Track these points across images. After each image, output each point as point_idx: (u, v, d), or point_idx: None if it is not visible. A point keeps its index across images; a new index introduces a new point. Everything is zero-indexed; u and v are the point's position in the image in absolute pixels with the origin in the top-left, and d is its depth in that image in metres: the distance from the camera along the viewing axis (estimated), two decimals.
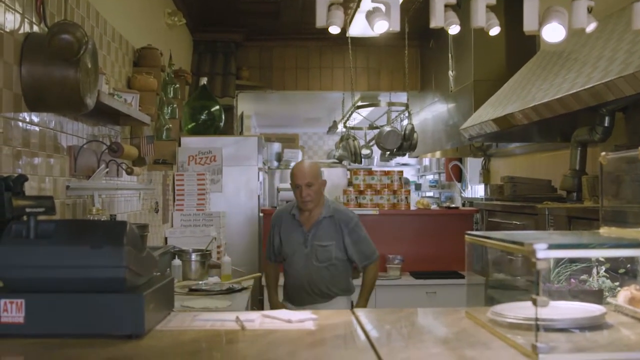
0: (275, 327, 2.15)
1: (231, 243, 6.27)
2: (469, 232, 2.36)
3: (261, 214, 6.41)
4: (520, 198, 5.63)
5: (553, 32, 2.80)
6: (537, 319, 1.71)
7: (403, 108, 7.90)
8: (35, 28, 3.03)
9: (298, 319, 2.21)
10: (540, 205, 4.73)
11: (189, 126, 6.63)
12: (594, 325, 2.01)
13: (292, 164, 9.15)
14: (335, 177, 7.79)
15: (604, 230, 2.41)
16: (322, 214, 4.23)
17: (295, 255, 4.25)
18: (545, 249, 1.71)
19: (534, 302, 1.70)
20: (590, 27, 2.98)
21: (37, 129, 3.07)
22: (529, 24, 2.83)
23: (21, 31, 2.89)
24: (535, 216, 4.76)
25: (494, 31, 3.14)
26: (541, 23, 2.81)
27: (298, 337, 2.02)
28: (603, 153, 2.48)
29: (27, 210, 1.99)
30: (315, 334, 2.07)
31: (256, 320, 2.23)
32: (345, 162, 8.77)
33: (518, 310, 2.05)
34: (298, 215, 4.29)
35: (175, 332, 2.08)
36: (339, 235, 4.22)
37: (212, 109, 6.67)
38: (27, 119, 2.96)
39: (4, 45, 2.72)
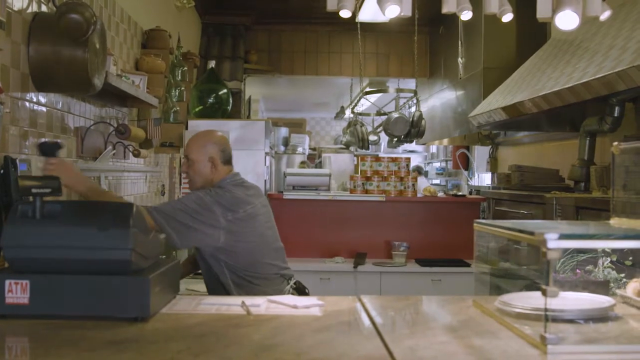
0: (281, 312, 2.14)
1: None
2: (477, 220, 2.34)
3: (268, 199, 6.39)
4: (528, 187, 5.61)
5: (566, 20, 2.76)
6: (546, 309, 1.70)
7: (411, 94, 7.86)
8: (44, 7, 3.01)
9: (304, 305, 2.20)
10: (548, 194, 4.71)
11: (197, 109, 6.60)
12: (602, 316, 2.00)
13: (300, 149, 9.16)
14: (342, 163, 7.76)
15: (615, 221, 2.38)
16: None
17: None
18: (557, 239, 1.69)
19: (544, 292, 1.68)
20: (605, 15, 2.94)
21: (44, 109, 3.05)
22: (542, 11, 2.79)
23: (29, 10, 2.86)
24: (542, 205, 4.74)
25: (507, 17, 3.11)
26: (554, 10, 2.78)
27: (304, 322, 2.01)
28: (615, 143, 2.46)
29: (33, 190, 1.97)
30: (320, 319, 2.06)
31: (262, 305, 2.22)
32: (352, 148, 8.73)
33: (526, 300, 2.04)
34: None
35: (181, 315, 2.07)
36: None
37: (220, 93, 6.64)
38: (35, 99, 2.95)
39: (12, 24, 2.70)
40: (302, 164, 8.40)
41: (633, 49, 3.64)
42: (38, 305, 1.91)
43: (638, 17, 4.04)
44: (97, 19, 2.84)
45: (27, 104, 2.87)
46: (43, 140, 2.98)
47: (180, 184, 6.07)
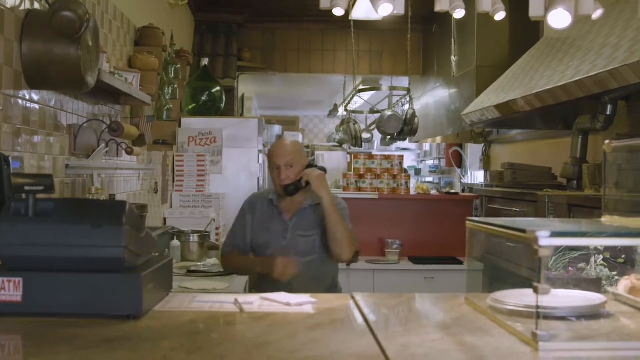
0: (274, 310, 2.15)
1: (230, 225, 6.25)
2: (470, 218, 2.34)
3: None
4: (521, 185, 5.62)
5: (559, 18, 2.77)
6: (537, 307, 1.70)
7: (405, 92, 7.87)
8: (36, 5, 3.01)
9: (297, 302, 2.20)
10: (541, 192, 4.72)
11: (190, 107, 6.61)
12: (594, 314, 2.01)
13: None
14: (335, 161, 7.80)
15: (606, 219, 2.40)
16: (307, 201, 3.61)
17: (269, 249, 3.60)
18: (548, 236, 1.70)
19: (535, 290, 1.69)
20: (597, 13, 2.96)
21: (37, 107, 3.05)
22: (535, 10, 2.81)
23: (22, 7, 2.86)
24: (535, 203, 4.75)
25: (499, 16, 3.12)
26: (547, 9, 2.79)
27: (297, 320, 2.02)
28: (607, 141, 2.47)
29: (26, 188, 1.97)
30: (314, 317, 2.06)
31: (255, 302, 2.22)
32: (345, 146, 8.75)
33: (518, 297, 2.05)
34: (277, 201, 3.66)
35: (174, 313, 2.07)
36: (323, 224, 3.57)
37: (213, 90, 6.65)
38: (27, 97, 2.94)
39: (5, 21, 2.70)
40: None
41: (625, 48, 3.65)
42: (31, 303, 1.91)
43: (630, 15, 4.06)
44: (90, 17, 2.84)
45: (19, 101, 2.86)
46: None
47: (174, 182, 6.07)
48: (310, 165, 3.64)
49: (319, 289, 3.36)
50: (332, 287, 3.69)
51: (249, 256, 3.69)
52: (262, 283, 3.59)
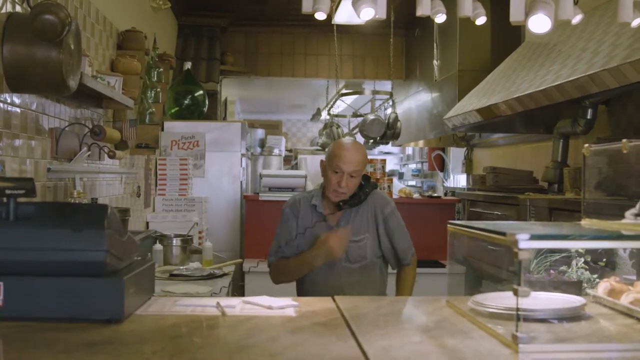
0: (256, 313, 2.15)
1: (213, 229, 6.26)
2: (451, 221, 2.36)
3: (244, 200, 6.40)
4: (502, 189, 5.65)
5: (539, 23, 2.79)
6: (518, 309, 1.72)
7: (387, 96, 7.90)
8: (18, 8, 2.99)
9: (279, 306, 2.20)
10: (522, 196, 4.75)
11: (172, 111, 6.60)
12: (573, 316, 2.03)
13: (276, 151, 9.15)
14: (318, 164, 7.78)
15: (586, 222, 2.42)
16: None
17: None
18: (528, 239, 1.71)
19: (515, 292, 1.71)
20: (576, 19, 2.98)
21: (18, 110, 3.04)
22: (515, 15, 2.82)
23: (3, 11, 2.84)
24: (516, 207, 4.78)
25: (480, 20, 3.14)
26: (527, 14, 2.81)
27: (278, 323, 2.02)
28: (586, 145, 2.49)
29: (7, 192, 1.96)
30: (295, 320, 2.07)
31: (237, 306, 2.23)
32: (328, 150, 8.75)
33: (499, 299, 2.06)
34: (321, 206, 3.44)
35: (156, 317, 2.07)
36: (373, 226, 3.42)
37: (196, 94, 6.64)
38: (9, 100, 2.93)
39: None
40: None
41: (605, 52, 3.68)
42: (12, 308, 1.90)
43: (610, 20, 4.09)
44: (72, 20, 2.83)
45: (0, 104, 2.85)
46: None
47: (156, 186, 6.05)
48: (366, 177, 3.46)
49: (371, 293, 3.32)
50: (383, 291, 3.52)
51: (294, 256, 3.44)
52: (308, 287, 3.43)
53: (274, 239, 3.55)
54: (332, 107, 8.55)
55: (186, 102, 6.59)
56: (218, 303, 2.21)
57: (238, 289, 5.60)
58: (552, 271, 2.48)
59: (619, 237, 2.01)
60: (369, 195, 3.43)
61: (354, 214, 3.42)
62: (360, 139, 8.21)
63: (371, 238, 3.40)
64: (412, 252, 3.56)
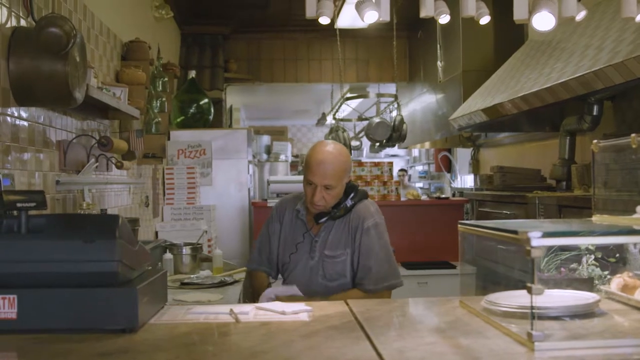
0: (270, 319, 2.15)
1: (222, 236, 6.27)
2: (461, 221, 2.36)
3: (252, 207, 6.40)
4: (510, 188, 5.65)
5: (543, 21, 2.79)
6: (532, 307, 1.71)
7: (392, 99, 7.90)
8: (23, 22, 3.01)
9: (292, 311, 2.20)
10: (531, 194, 4.75)
11: (178, 120, 6.61)
12: (587, 312, 2.02)
13: (282, 157, 9.16)
14: None
15: (596, 218, 2.41)
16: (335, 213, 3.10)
17: (296, 269, 3.15)
18: (540, 237, 1.71)
19: (529, 290, 1.70)
20: (580, 15, 2.98)
21: (25, 123, 3.05)
22: (519, 13, 2.82)
23: (8, 25, 2.86)
24: (525, 205, 4.77)
25: (484, 20, 3.13)
26: (531, 12, 2.81)
27: (292, 328, 2.02)
28: (595, 141, 2.49)
29: (18, 205, 1.97)
30: (309, 325, 2.06)
31: (250, 312, 2.23)
32: None
33: (512, 298, 2.06)
34: (303, 212, 3.18)
35: (169, 325, 2.07)
36: (352, 241, 3.09)
37: (201, 102, 6.65)
38: (16, 114, 2.94)
39: None
40: None
41: (609, 48, 3.68)
42: (26, 320, 1.91)
43: (613, 16, 4.09)
44: (76, 32, 2.84)
45: (8, 118, 2.86)
46: None
47: (164, 195, 6.06)
48: (353, 186, 3.14)
49: None
50: None
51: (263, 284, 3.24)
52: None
53: (255, 244, 3.41)
54: (337, 111, 8.57)
55: (191, 110, 6.60)
56: (231, 310, 2.21)
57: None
58: (562, 269, 2.47)
59: (630, 232, 2.00)
60: (354, 207, 3.12)
61: (335, 228, 3.11)
62: (366, 142, 8.23)
63: (350, 255, 3.08)
64: (388, 283, 3.11)
